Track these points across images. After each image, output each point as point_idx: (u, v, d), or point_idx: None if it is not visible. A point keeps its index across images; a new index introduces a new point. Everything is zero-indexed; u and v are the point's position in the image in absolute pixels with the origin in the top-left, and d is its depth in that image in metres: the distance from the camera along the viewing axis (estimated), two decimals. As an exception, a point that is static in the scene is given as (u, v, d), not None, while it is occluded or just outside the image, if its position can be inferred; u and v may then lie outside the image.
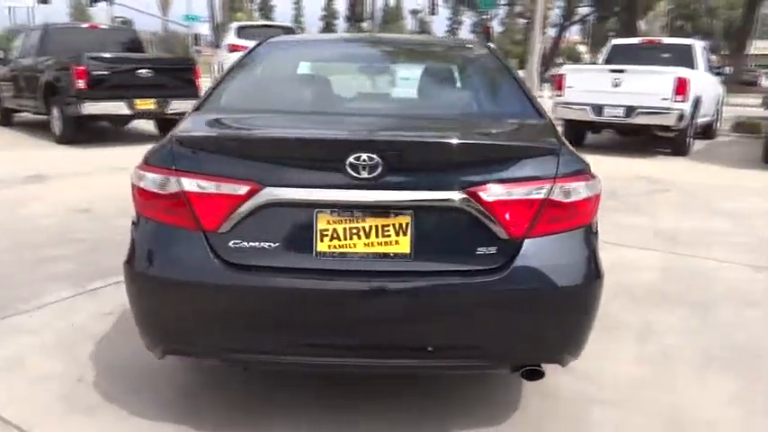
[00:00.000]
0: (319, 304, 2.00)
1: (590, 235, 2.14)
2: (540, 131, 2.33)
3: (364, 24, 22.20)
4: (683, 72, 9.17)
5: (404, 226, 1.99)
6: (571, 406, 2.51)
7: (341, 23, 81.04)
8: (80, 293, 3.64)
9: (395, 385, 2.54)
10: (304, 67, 3.17)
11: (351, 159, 1.94)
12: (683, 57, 10.36)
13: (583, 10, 41.38)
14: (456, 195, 1.97)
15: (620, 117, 9.35)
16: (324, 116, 2.59)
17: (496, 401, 2.52)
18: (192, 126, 2.28)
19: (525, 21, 42.54)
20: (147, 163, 2.14)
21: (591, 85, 9.59)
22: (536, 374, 2.16)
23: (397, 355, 2.08)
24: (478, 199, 1.97)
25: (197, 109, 2.53)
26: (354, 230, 1.99)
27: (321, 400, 2.48)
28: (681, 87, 8.95)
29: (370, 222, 1.99)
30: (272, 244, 2.00)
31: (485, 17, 40.96)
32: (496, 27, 55.66)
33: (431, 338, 2.04)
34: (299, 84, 3.02)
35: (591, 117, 9.55)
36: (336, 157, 1.96)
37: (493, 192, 1.98)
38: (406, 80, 3.11)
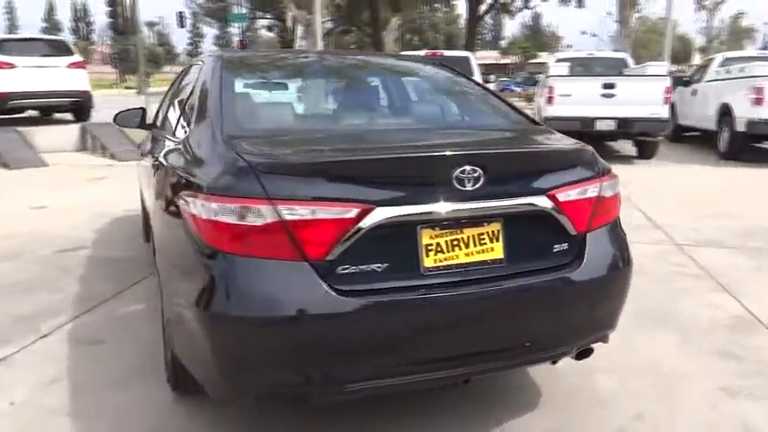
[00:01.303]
0: (433, 319, 2.00)
1: (620, 224, 2.44)
2: (560, 137, 2.57)
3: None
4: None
5: (496, 233, 2.08)
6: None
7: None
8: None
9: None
10: (303, 87, 3.02)
11: (457, 173, 1.98)
12: (463, 68, 11.55)
13: (328, 24, 43.33)
14: (538, 199, 2.13)
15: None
16: (376, 133, 2.57)
17: (520, 386, 2.73)
18: (259, 151, 2.06)
19: (280, 34, 43.28)
20: (225, 193, 1.90)
21: None
22: (587, 353, 2.40)
23: (501, 356, 2.16)
24: (555, 201, 2.15)
25: (210, 136, 2.28)
26: (455, 242, 2.03)
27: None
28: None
29: (467, 233, 2.05)
30: (380, 265, 1.95)
31: (246, 32, 40.90)
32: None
33: (529, 335, 2.16)
34: (312, 103, 2.88)
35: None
36: (444, 171, 1.98)
37: (566, 193, 2.17)
38: (419, 95, 3.12)
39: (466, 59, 11.89)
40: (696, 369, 2.96)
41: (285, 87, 3.02)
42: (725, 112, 10.49)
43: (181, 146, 2.50)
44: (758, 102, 9.59)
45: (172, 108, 3.57)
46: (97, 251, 4.88)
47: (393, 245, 1.97)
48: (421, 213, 1.97)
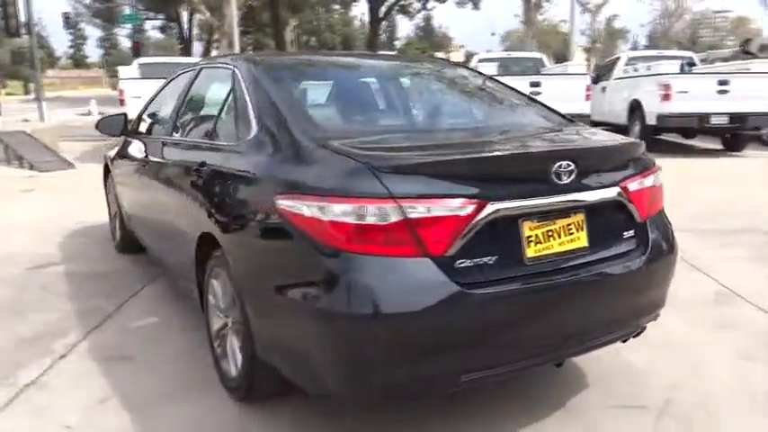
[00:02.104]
0: (537, 306, 2.12)
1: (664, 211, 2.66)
2: (604, 131, 2.76)
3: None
4: None
5: (581, 223, 2.24)
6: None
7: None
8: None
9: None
10: (357, 88, 3.01)
11: (555, 168, 2.11)
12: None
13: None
14: (614, 190, 2.30)
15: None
16: (455, 132, 2.65)
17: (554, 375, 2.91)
18: (367, 152, 2.08)
19: (180, 37, 41.79)
20: (349, 195, 1.92)
21: None
22: (642, 330, 2.61)
23: (590, 337, 2.31)
24: (626, 191, 2.33)
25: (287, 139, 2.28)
26: (550, 233, 2.16)
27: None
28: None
29: (559, 223, 2.18)
30: (490, 258, 2.04)
31: (136, 34, 39.13)
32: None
33: (610, 316, 2.33)
34: (372, 104, 2.89)
35: None
36: (545, 167, 2.11)
37: (633, 183, 2.36)
38: (464, 93, 3.18)
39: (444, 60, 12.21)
40: (708, 340, 3.25)
41: (341, 88, 3.03)
42: (635, 108, 11.32)
43: (247, 151, 2.46)
44: (666, 97, 10.43)
45: (184, 114, 3.46)
46: (71, 267, 4.61)
47: (500, 238, 2.07)
48: (525, 207, 2.08)
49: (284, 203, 2.08)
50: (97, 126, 4.32)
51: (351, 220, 1.92)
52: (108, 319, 3.61)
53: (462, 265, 1.99)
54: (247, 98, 2.64)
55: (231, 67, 2.98)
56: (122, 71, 10.71)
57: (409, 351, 1.96)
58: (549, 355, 2.26)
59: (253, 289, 2.28)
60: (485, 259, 2.03)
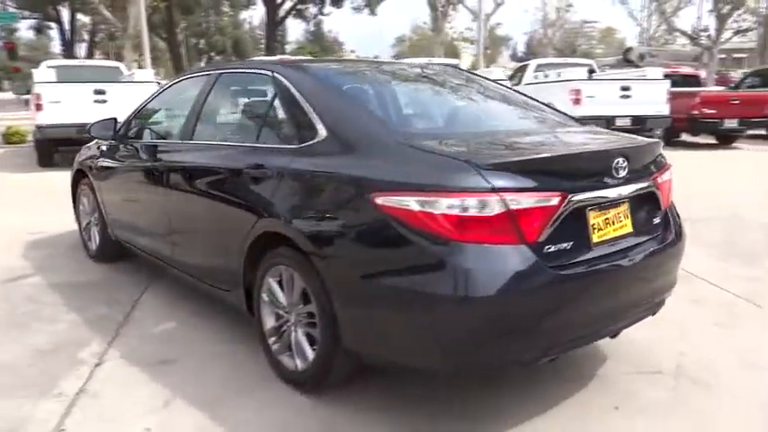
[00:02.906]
0: (605, 285, 2.42)
1: None
2: (617, 132, 3.13)
3: None
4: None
5: (626, 211, 2.57)
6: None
7: None
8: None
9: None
10: (406, 92, 3.16)
11: (614, 163, 2.43)
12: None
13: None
14: (649, 182, 2.66)
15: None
16: (514, 133, 2.86)
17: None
18: (463, 150, 2.30)
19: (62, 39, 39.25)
20: (459, 190, 2.12)
21: None
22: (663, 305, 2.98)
23: (637, 310, 2.64)
24: (656, 183, 2.70)
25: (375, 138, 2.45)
26: (607, 220, 2.47)
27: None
28: None
29: (612, 212, 2.50)
30: (567, 243, 2.32)
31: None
32: None
33: (651, 290, 2.67)
34: (425, 106, 3.06)
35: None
36: (608, 163, 2.42)
37: (660, 176, 2.73)
38: (496, 98, 3.38)
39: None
40: (685, 314, 3.72)
41: (393, 93, 3.18)
42: (547, 112, 12.13)
43: (319, 152, 2.59)
44: (577, 102, 11.29)
45: (206, 118, 3.48)
46: (50, 278, 4.43)
47: (573, 226, 2.34)
48: (593, 198, 2.38)
49: (386, 200, 2.24)
50: (89, 131, 4.20)
51: (459, 212, 2.12)
52: (123, 326, 3.56)
53: (549, 250, 2.25)
54: (304, 102, 2.77)
55: (269, 72, 3.08)
56: (37, 74, 10.13)
57: (510, 329, 2.20)
58: (612, 328, 2.57)
59: (345, 281, 2.42)
60: (564, 245, 2.30)
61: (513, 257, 2.17)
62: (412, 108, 3.08)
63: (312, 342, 2.68)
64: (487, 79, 3.71)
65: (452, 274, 2.13)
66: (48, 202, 7.36)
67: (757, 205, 7.05)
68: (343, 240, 2.44)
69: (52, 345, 3.32)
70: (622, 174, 2.47)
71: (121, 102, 9.76)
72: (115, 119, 4.20)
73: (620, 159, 2.46)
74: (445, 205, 2.13)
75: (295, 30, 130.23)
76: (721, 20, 22.61)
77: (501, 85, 3.67)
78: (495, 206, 2.14)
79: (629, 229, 2.57)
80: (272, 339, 2.90)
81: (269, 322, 2.91)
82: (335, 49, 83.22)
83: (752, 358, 3.14)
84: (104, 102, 9.81)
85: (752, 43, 30.68)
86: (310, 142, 2.66)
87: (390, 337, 2.35)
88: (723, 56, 28.82)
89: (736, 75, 30.36)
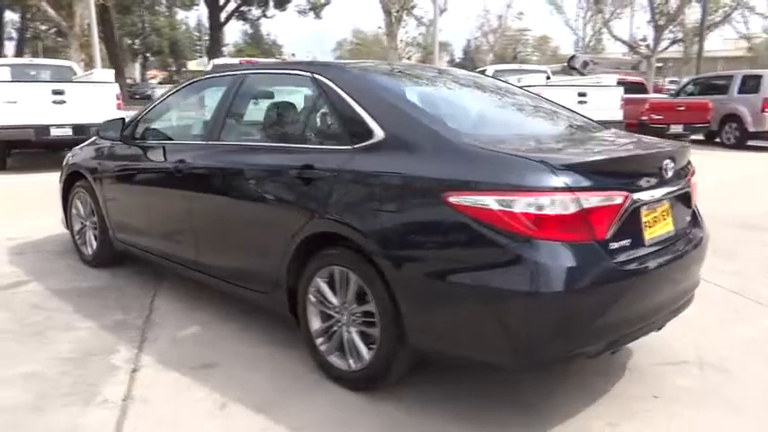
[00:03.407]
0: (657, 279, 2.55)
1: None
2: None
3: None
4: None
5: (668, 210, 2.72)
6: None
7: None
8: None
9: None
10: (453, 96, 3.21)
11: (664, 165, 2.57)
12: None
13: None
14: (685, 183, 2.82)
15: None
16: (564, 137, 3.01)
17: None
18: (532, 151, 2.38)
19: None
20: (531, 189, 2.21)
21: None
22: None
23: (680, 302, 2.79)
24: (689, 183, 2.87)
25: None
26: (655, 219, 2.62)
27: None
28: None
29: (659, 210, 2.65)
30: (627, 240, 2.44)
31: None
32: None
33: (689, 284, 2.83)
34: (469, 109, 3.12)
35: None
36: (659, 164, 2.56)
37: (692, 177, 2.91)
38: (532, 103, 3.46)
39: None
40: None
41: (438, 95, 3.24)
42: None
43: (378, 153, 2.62)
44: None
45: (233, 119, 3.45)
46: (50, 284, 4.27)
47: (630, 224, 2.47)
48: (647, 197, 2.52)
49: (461, 199, 2.30)
50: (99, 132, 4.08)
51: (538, 210, 2.21)
52: (146, 331, 3.49)
53: (613, 247, 2.37)
54: (354, 104, 2.80)
55: (307, 74, 3.10)
56: (-14, 73, 9.67)
57: (581, 322, 2.30)
58: (661, 320, 2.71)
59: (414, 280, 2.46)
60: (624, 242, 2.43)
61: (586, 254, 2.27)
62: (460, 110, 3.14)
63: (368, 341, 2.71)
64: (513, 85, 3.83)
65: (530, 271, 2.22)
66: (13, 207, 7.06)
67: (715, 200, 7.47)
68: (411, 239, 2.47)
69: (78, 352, 3.22)
70: (669, 174, 2.62)
71: (81, 102, 9.49)
72: (123, 119, 4.09)
73: (669, 161, 2.61)
74: (524, 204, 2.22)
75: (232, 32, 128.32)
76: (658, 30, 23.83)
77: (526, 90, 3.79)
78: (570, 205, 2.23)
79: (671, 227, 2.72)
80: (320, 340, 2.91)
81: (316, 323, 2.92)
82: (274, 51, 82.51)
83: (764, 349, 3.36)
84: (63, 102, 9.46)
85: (676, 53, 32.49)
86: (366, 143, 2.69)
87: (462, 333, 2.41)
88: (660, 64, 30.27)
89: (662, 82, 31.97)
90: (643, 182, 2.53)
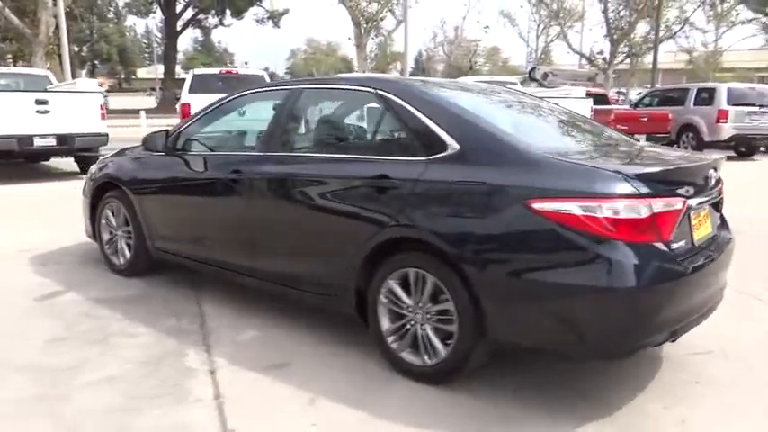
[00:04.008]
0: (706, 275, 2.85)
1: None
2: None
3: None
4: None
5: (707, 214, 3.04)
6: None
7: None
8: None
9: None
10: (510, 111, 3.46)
11: (710, 173, 2.90)
12: (259, 84, 11.95)
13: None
14: (718, 190, 3.15)
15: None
16: (611, 148, 3.30)
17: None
18: (604, 162, 2.66)
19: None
20: (611, 196, 2.49)
21: None
22: None
23: (718, 299, 3.10)
24: (720, 191, 3.21)
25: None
26: (700, 222, 2.93)
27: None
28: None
29: (701, 215, 2.96)
30: (683, 242, 2.75)
31: None
32: None
33: (724, 279, 3.16)
34: (526, 124, 3.38)
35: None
36: (706, 173, 2.89)
37: (722, 184, 3.24)
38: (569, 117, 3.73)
39: (262, 78, 12.34)
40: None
41: (498, 110, 3.49)
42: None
43: (455, 163, 2.86)
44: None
45: (292, 131, 3.64)
46: (88, 293, 4.33)
47: (684, 226, 2.78)
48: (697, 203, 2.83)
49: (545, 206, 2.57)
50: (145, 142, 4.19)
51: (617, 215, 2.49)
52: (206, 336, 3.61)
53: (674, 247, 2.67)
54: (425, 118, 3.04)
55: (370, 89, 3.32)
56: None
57: (652, 315, 2.59)
58: (707, 312, 3.01)
59: (498, 280, 2.70)
60: (681, 242, 2.73)
61: (655, 253, 2.57)
62: (519, 124, 3.40)
63: (442, 337, 2.94)
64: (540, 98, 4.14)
65: (610, 269, 2.49)
66: (10, 219, 6.99)
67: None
68: (494, 242, 2.72)
69: (147, 357, 3.33)
70: (712, 182, 2.95)
71: (65, 112, 9.41)
72: (167, 131, 4.21)
73: (713, 170, 2.94)
74: (606, 209, 2.49)
75: (183, 40, 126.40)
76: (613, 44, 24.94)
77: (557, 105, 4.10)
78: (643, 210, 2.52)
79: (710, 229, 3.05)
80: (391, 338, 3.11)
81: (386, 323, 3.12)
82: (225, 60, 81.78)
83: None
84: (47, 112, 9.35)
85: (623, 65, 33.96)
86: (441, 154, 2.93)
87: (541, 326, 2.67)
88: (614, 76, 31.60)
89: (611, 94, 33.27)
90: (693, 189, 2.84)
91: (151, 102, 39.07)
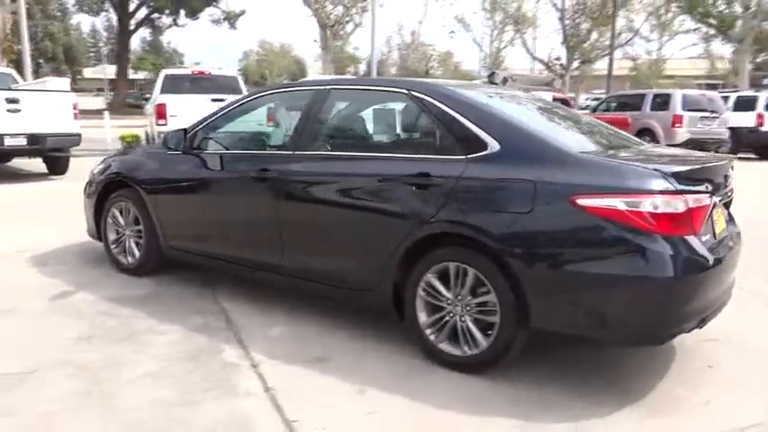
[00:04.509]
0: (728, 265, 3.06)
1: None
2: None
3: None
4: None
5: (721, 211, 3.27)
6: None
7: None
8: None
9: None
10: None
11: (727, 172, 3.13)
12: (233, 86, 11.92)
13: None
14: (730, 188, 3.39)
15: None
16: (630, 148, 3.51)
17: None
18: (641, 161, 2.84)
19: None
20: (651, 191, 2.68)
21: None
22: None
23: (731, 293, 3.32)
24: (732, 189, 3.44)
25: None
26: (716, 218, 3.15)
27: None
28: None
29: (718, 212, 3.18)
30: (708, 234, 2.96)
31: None
32: None
33: (736, 269, 3.38)
34: (561, 125, 3.51)
35: None
36: (725, 172, 3.12)
37: (732, 186, 3.49)
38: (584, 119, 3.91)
39: (235, 79, 12.29)
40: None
41: (525, 112, 3.63)
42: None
43: (497, 162, 3.00)
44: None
45: (319, 131, 3.72)
46: (101, 293, 4.30)
47: (708, 221, 2.99)
48: (717, 199, 3.05)
49: (589, 201, 2.73)
50: (165, 141, 4.18)
51: (658, 210, 2.68)
52: (237, 333, 3.64)
53: (703, 239, 2.87)
54: (462, 119, 3.17)
55: (403, 90, 3.44)
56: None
57: (687, 303, 2.78)
58: (726, 304, 3.22)
59: (543, 271, 2.84)
60: (707, 235, 2.94)
61: (690, 246, 2.76)
62: (550, 125, 3.57)
63: (482, 328, 3.07)
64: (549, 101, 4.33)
65: (652, 260, 2.68)
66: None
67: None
68: (539, 236, 2.87)
69: (183, 353, 3.36)
70: (729, 180, 3.18)
71: (37, 111, 9.20)
72: (185, 130, 4.22)
73: (730, 169, 3.17)
74: (648, 204, 2.68)
75: (132, 39, 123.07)
76: (570, 51, 25.74)
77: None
78: (680, 205, 2.72)
79: (724, 225, 3.28)
80: (429, 331, 3.23)
81: (423, 316, 3.24)
82: (175, 60, 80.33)
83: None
84: (18, 111, 9.10)
85: (574, 72, 35.13)
86: (481, 153, 3.07)
87: (584, 315, 2.83)
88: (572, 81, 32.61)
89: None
90: (716, 186, 3.06)
91: (98, 102, 37.96)
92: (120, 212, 4.69)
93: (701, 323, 2.95)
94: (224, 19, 38.68)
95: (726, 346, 3.66)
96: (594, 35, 28.17)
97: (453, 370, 3.16)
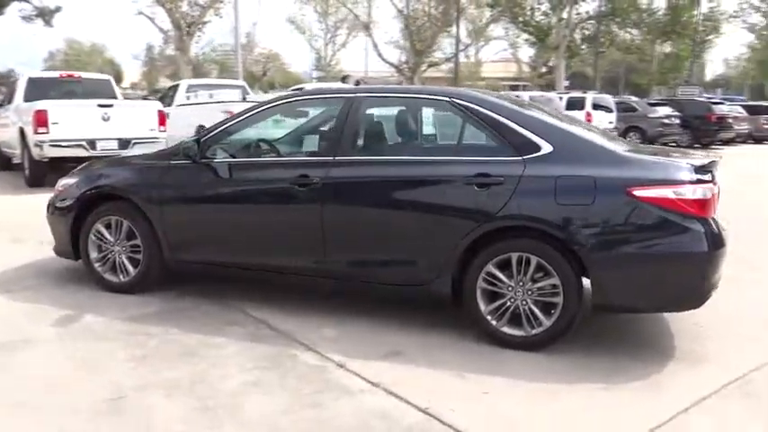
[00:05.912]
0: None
1: None
2: None
3: None
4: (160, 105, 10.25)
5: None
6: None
7: None
8: None
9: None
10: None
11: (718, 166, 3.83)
12: (106, 90, 11.17)
13: None
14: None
15: (114, 149, 9.53)
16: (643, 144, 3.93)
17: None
18: (669, 157, 3.41)
19: None
20: (693, 181, 3.26)
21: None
22: None
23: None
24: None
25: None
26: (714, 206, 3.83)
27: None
28: (162, 119, 10.06)
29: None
30: (714, 218, 3.62)
31: None
32: None
33: None
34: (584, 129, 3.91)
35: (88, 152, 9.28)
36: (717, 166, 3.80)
37: None
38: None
39: (108, 82, 11.56)
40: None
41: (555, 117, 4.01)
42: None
43: (550, 162, 3.41)
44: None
45: (358, 138, 3.89)
46: (106, 314, 4.03)
47: None
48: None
49: (644, 192, 3.25)
50: (185, 154, 4.02)
51: (697, 196, 3.27)
52: (293, 338, 3.69)
53: (712, 226, 3.51)
54: (512, 124, 3.56)
55: (444, 98, 3.76)
56: None
57: (715, 273, 3.40)
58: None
59: (603, 253, 3.32)
60: (714, 218, 3.60)
61: (713, 226, 3.38)
62: (579, 127, 4.03)
63: (544, 308, 3.47)
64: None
65: (694, 238, 3.28)
66: None
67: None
68: (601, 224, 3.34)
69: (254, 361, 3.36)
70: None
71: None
72: (197, 139, 4.11)
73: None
74: (690, 192, 3.26)
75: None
76: (418, 55, 27.15)
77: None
78: (708, 192, 3.34)
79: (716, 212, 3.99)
80: (490, 317, 3.56)
81: (484, 304, 3.57)
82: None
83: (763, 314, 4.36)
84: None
85: (440, 73, 37.32)
86: (536, 154, 3.47)
87: (643, 289, 3.36)
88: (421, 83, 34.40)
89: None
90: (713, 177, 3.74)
91: None
92: (108, 227, 4.42)
93: (710, 294, 3.56)
94: (36, 15, 35.05)
95: (710, 331, 3.94)
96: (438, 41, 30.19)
97: (516, 349, 3.51)
